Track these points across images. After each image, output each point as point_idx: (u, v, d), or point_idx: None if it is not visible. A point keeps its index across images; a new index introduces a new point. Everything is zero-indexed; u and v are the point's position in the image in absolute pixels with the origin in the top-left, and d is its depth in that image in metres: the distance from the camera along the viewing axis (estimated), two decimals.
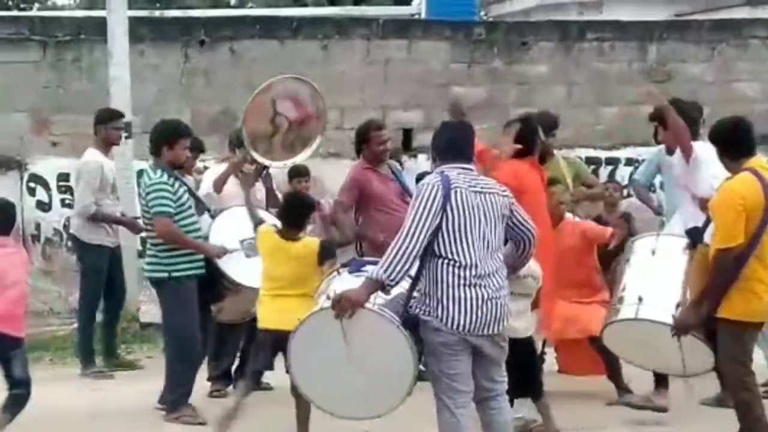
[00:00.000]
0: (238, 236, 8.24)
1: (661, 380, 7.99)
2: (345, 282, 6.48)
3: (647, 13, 16.87)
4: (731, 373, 6.67)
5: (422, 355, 6.17)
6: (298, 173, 9.78)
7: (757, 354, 7.71)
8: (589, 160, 12.78)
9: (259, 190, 9.00)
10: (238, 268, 8.21)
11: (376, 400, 6.35)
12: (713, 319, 6.62)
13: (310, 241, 7.52)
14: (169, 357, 8.41)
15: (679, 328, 6.67)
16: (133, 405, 8.41)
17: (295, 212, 7.58)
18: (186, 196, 8.30)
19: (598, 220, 9.88)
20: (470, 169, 6.30)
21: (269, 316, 7.35)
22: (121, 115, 10.17)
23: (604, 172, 13.19)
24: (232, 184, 9.03)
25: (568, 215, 8.74)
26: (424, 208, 6.05)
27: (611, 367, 8.22)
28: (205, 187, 9.09)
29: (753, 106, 13.45)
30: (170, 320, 8.39)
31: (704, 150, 7.63)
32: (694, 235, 7.02)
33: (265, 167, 8.79)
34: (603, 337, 7.40)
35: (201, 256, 8.25)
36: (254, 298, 7.74)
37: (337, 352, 6.20)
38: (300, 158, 8.74)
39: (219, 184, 8.93)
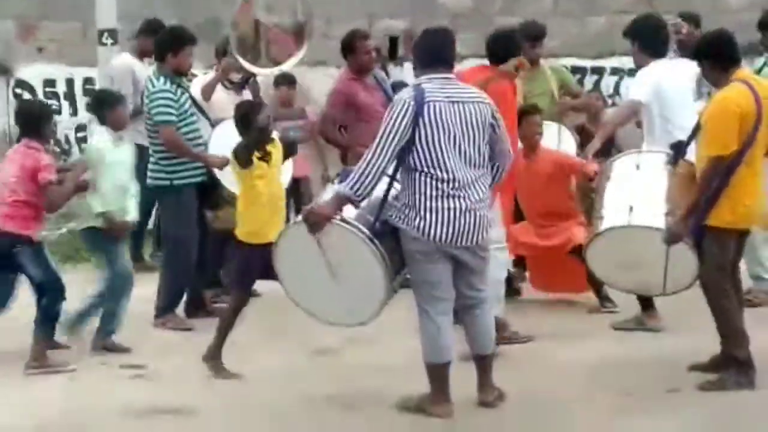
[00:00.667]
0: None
1: (646, 302, 8.05)
2: (330, 192, 6.55)
3: None
4: (714, 279, 6.75)
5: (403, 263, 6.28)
6: (285, 80, 9.81)
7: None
8: (575, 70, 12.78)
9: (246, 97, 9.04)
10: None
11: (356, 307, 6.47)
12: (701, 228, 6.70)
13: None
14: (164, 263, 8.53)
15: (671, 237, 6.73)
16: None
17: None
18: (188, 103, 8.34)
19: (582, 129, 9.98)
20: (450, 78, 6.31)
21: None
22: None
23: (589, 81, 13.23)
24: (221, 92, 9.07)
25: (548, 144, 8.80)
26: (393, 125, 6.09)
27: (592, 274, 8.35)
28: (194, 95, 9.13)
29: (738, 16, 13.48)
30: (169, 226, 8.51)
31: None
32: (678, 149, 7.03)
33: (252, 74, 8.83)
34: (587, 251, 7.35)
35: (202, 165, 8.30)
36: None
37: (314, 263, 6.34)
38: (286, 66, 8.75)
39: (207, 92, 8.96)
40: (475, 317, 6.42)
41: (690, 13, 9.51)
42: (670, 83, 7.79)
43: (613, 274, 7.35)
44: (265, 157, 7.13)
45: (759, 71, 8.74)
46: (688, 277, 6.96)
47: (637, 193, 7.10)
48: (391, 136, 6.09)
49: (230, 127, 8.01)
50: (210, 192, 8.40)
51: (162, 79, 8.25)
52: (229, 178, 8.19)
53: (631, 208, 7.00)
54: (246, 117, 7.16)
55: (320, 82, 11.37)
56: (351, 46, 9.04)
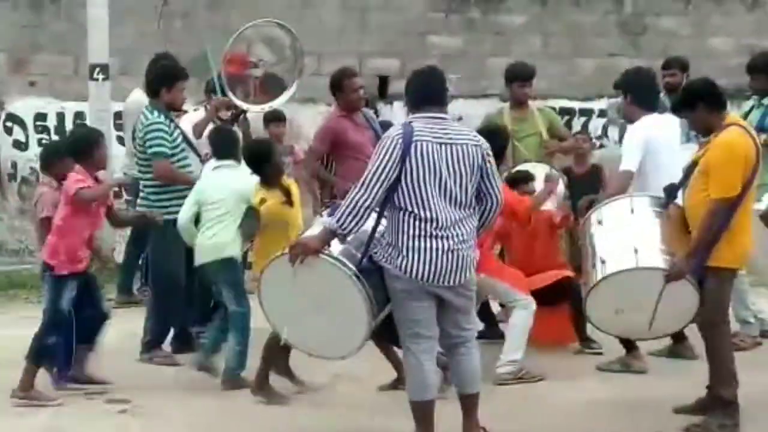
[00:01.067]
0: None
1: (630, 344, 8.03)
2: (319, 226, 6.58)
3: None
4: (713, 319, 6.81)
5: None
6: (275, 117, 9.84)
7: None
8: (564, 111, 12.92)
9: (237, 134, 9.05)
10: None
11: (337, 341, 6.47)
12: (702, 268, 6.74)
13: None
14: (152, 297, 8.54)
15: (676, 274, 6.74)
16: (106, 343, 8.54)
17: (253, 161, 7.60)
18: (180, 138, 8.39)
19: (568, 171, 10.01)
20: (442, 118, 6.29)
21: None
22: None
23: (577, 122, 13.31)
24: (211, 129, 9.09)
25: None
26: (381, 162, 6.09)
27: (578, 321, 8.37)
28: (184, 131, 9.16)
29: (726, 61, 13.61)
30: (157, 261, 8.52)
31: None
32: (670, 192, 7.04)
33: (243, 111, 8.87)
34: (588, 299, 7.12)
35: None
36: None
37: (298, 295, 6.37)
38: (277, 103, 8.84)
39: (200, 129, 8.98)
40: (460, 356, 6.41)
41: (678, 57, 9.59)
42: (659, 137, 7.83)
43: (610, 320, 7.17)
44: (289, 201, 7.36)
45: (746, 115, 8.80)
46: (685, 317, 6.99)
47: (638, 236, 7.05)
48: (378, 173, 6.10)
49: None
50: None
51: (156, 113, 8.31)
52: None
53: (636, 250, 6.93)
54: (260, 156, 7.29)
55: (311, 120, 11.43)
56: (339, 84, 9.03)
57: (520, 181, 8.58)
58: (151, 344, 8.42)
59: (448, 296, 6.24)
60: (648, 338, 7.41)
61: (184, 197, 8.19)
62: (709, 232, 6.68)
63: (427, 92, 6.36)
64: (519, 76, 9.75)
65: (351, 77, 9.03)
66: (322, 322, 6.39)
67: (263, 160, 7.57)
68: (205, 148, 8.74)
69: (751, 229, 6.89)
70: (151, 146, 8.25)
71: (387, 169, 6.09)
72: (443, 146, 6.16)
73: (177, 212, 8.16)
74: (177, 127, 8.44)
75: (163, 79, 8.42)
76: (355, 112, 9.01)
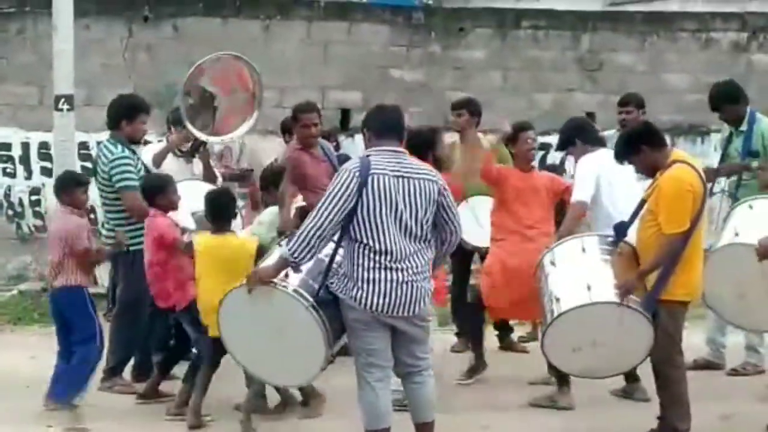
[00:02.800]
0: (189, 210, 8.30)
1: (563, 379, 8.09)
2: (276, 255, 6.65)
3: (582, 2, 17.19)
4: (664, 349, 6.95)
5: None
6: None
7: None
8: None
9: (197, 164, 9.19)
10: None
11: (294, 370, 6.62)
12: (655, 303, 6.91)
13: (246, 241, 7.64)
14: (116, 327, 8.60)
15: (624, 291, 6.90)
16: None
17: (217, 207, 7.61)
18: (143, 170, 8.50)
19: None
20: (399, 152, 6.40)
21: None
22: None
23: (536, 156, 13.47)
24: (171, 160, 9.21)
25: None
26: (336, 193, 6.17)
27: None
28: (145, 162, 9.28)
29: (681, 97, 13.89)
30: (124, 291, 8.60)
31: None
32: (620, 230, 7.19)
33: (202, 143, 8.98)
34: (544, 339, 7.20)
35: None
36: None
37: (255, 325, 6.50)
38: (236, 134, 8.91)
39: (159, 160, 9.09)
40: (415, 385, 6.50)
41: (635, 94, 9.79)
42: (613, 168, 8.00)
43: (568, 358, 7.24)
44: None
45: (727, 144, 8.99)
46: (641, 352, 7.08)
47: (591, 274, 7.17)
48: (333, 203, 6.18)
49: (181, 191, 8.17)
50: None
51: (119, 147, 8.41)
52: None
53: (588, 287, 7.04)
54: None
55: (272, 152, 11.57)
56: (295, 117, 9.11)
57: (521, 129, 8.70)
58: (112, 372, 8.49)
59: (402, 327, 6.32)
60: (607, 376, 7.48)
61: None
62: (658, 263, 6.88)
63: (385, 127, 6.47)
64: (474, 112, 9.89)
65: (306, 112, 9.06)
66: (279, 351, 6.49)
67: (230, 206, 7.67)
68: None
69: (701, 262, 7.06)
70: (119, 180, 8.33)
71: (342, 201, 6.17)
72: (400, 180, 6.26)
73: (142, 243, 8.20)
74: (139, 159, 8.56)
75: (124, 112, 8.52)
76: (311, 146, 9.06)
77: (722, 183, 9.01)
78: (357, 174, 6.19)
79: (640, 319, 6.92)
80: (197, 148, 8.97)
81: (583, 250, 7.31)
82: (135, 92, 12.12)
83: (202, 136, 8.70)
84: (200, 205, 7.91)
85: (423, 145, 7.59)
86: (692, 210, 6.87)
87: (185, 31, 13.04)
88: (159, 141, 9.77)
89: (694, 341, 8.71)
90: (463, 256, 9.49)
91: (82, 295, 7.92)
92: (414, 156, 6.94)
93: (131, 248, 8.33)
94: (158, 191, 7.88)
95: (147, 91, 12.32)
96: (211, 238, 7.47)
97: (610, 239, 7.24)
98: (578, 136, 8.39)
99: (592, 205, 8.13)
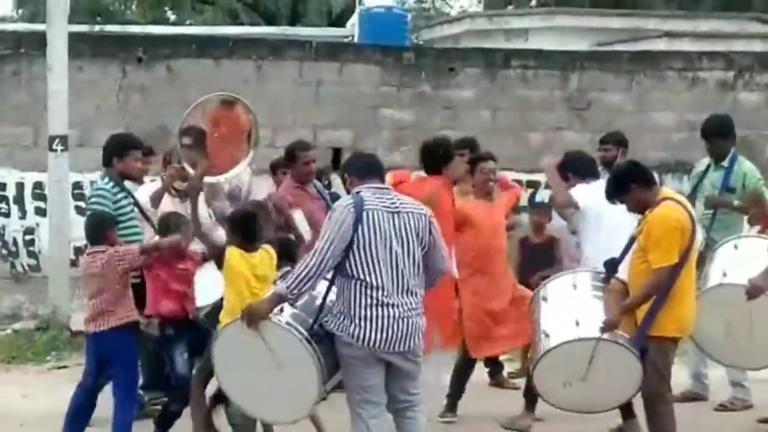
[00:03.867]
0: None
1: (531, 404, 8.22)
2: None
3: (570, 42, 17.41)
4: (654, 385, 7.04)
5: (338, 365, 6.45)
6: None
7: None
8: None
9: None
10: None
11: (287, 405, 6.62)
12: (644, 338, 7.00)
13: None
14: None
15: (608, 326, 7.00)
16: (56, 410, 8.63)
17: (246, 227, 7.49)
18: (129, 207, 8.57)
19: (525, 240, 10.20)
20: (387, 188, 6.54)
21: None
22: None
23: (524, 194, 13.58)
24: (166, 200, 9.29)
25: None
26: (333, 229, 6.26)
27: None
28: (142, 204, 9.35)
29: (668, 135, 14.05)
30: None
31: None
32: (610, 266, 7.30)
33: None
34: (534, 371, 7.29)
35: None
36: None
37: (250, 360, 6.52)
38: (232, 174, 8.99)
39: (156, 200, 9.17)
40: (407, 420, 6.56)
41: (615, 133, 9.93)
42: (601, 204, 8.12)
43: (559, 393, 7.29)
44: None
45: (702, 176, 9.13)
46: (630, 388, 7.14)
47: (580, 309, 7.24)
48: (331, 239, 6.26)
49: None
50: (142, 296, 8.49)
51: (105, 180, 8.51)
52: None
53: (577, 322, 7.12)
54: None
55: (265, 191, 11.65)
56: (292, 155, 9.23)
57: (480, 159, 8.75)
58: None
59: (397, 362, 6.39)
60: (598, 411, 7.49)
61: None
62: (646, 297, 6.99)
63: (367, 167, 6.63)
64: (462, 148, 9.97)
65: (304, 150, 9.24)
66: (273, 386, 6.51)
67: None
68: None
69: (693, 298, 7.14)
70: (89, 208, 8.46)
71: (340, 235, 6.25)
72: (392, 215, 6.36)
73: None
74: (130, 196, 8.62)
75: (114, 149, 8.64)
76: (307, 184, 9.20)
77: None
78: (352, 210, 6.30)
79: (627, 354, 6.99)
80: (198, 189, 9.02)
81: (575, 286, 7.41)
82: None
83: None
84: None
85: (439, 158, 7.85)
86: (680, 245, 6.97)
87: (179, 73, 13.17)
88: (152, 181, 9.85)
89: (679, 374, 8.65)
90: None
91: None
92: (427, 172, 7.09)
93: None
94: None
95: (141, 132, 12.47)
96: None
97: (602, 276, 7.34)
98: (570, 170, 8.51)
99: (583, 233, 8.26)
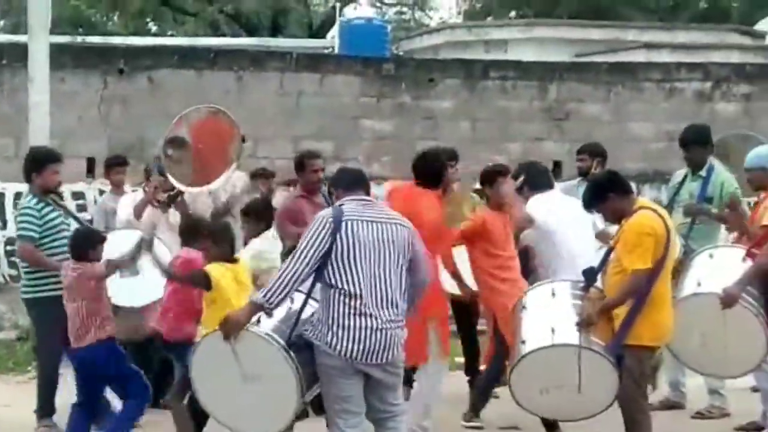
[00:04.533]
0: (112, 256, 8.10)
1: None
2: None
3: (550, 53, 17.52)
4: (631, 395, 7.08)
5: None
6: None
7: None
8: None
9: (172, 214, 9.29)
10: (113, 288, 8.11)
11: (266, 417, 6.58)
12: (620, 347, 7.05)
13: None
14: (39, 373, 8.73)
15: (584, 324, 7.05)
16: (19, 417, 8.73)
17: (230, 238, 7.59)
18: (58, 219, 8.55)
19: None
20: (370, 200, 6.58)
21: None
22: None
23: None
24: (147, 211, 9.33)
25: None
26: (310, 240, 6.29)
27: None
28: (124, 215, 9.38)
29: (646, 145, 14.17)
30: (39, 339, 8.75)
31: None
32: (589, 275, 7.32)
33: (180, 193, 9.12)
34: (511, 377, 7.34)
35: None
36: (133, 318, 8.09)
37: (228, 371, 6.50)
38: (215, 185, 9.06)
39: (139, 211, 9.20)
40: (388, 430, 6.56)
41: (590, 144, 10.02)
42: (560, 212, 8.18)
43: (536, 400, 7.32)
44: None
45: (679, 186, 9.19)
46: (607, 397, 7.15)
47: (557, 317, 7.27)
48: (308, 249, 6.29)
49: (115, 238, 8.29)
50: None
51: (30, 197, 8.57)
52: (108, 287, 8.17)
53: (552, 330, 7.16)
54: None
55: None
56: (301, 164, 9.28)
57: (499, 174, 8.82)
58: (40, 413, 8.56)
59: (376, 374, 6.38)
60: (575, 419, 7.52)
61: (58, 275, 8.15)
62: (621, 300, 7.05)
63: (352, 180, 6.68)
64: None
65: (314, 158, 9.30)
66: (251, 398, 6.49)
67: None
68: (145, 229, 8.91)
69: (669, 307, 7.19)
70: (18, 229, 8.52)
71: (316, 246, 6.29)
72: (373, 224, 6.39)
73: (52, 290, 8.27)
74: (56, 209, 8.57)
75: (33, 165, 8.67)
76: (315, 193, 9.21)
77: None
78: (330, 220, 6.34)
79: (602, 362, 7.03)
80: (174, 198, 9.09)
81: (553, 294, 7.44)
82: (110, 144, 12.38)
83: (180, 186, 8.84)
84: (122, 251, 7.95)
85: (432, 173, 7.98)
86: (655, 252, 7.03)
87: (160, 84, 13.20)
88: (133, 191, 9.90)
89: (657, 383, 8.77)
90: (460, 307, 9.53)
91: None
92: (423, 187, 7.34)
93: (38, 295, 8.44)
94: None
95: (122, 143, 12.59)
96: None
97: (581, 285, 7.36)
98: (523, 182, 8.59)
99: (543, 247, 8.33)
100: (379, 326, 6.30)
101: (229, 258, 7.36)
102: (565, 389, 7.11)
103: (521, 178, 8.64)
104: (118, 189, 10.12)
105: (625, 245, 7.08)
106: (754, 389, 8.91)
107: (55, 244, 8.46)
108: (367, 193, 6.65)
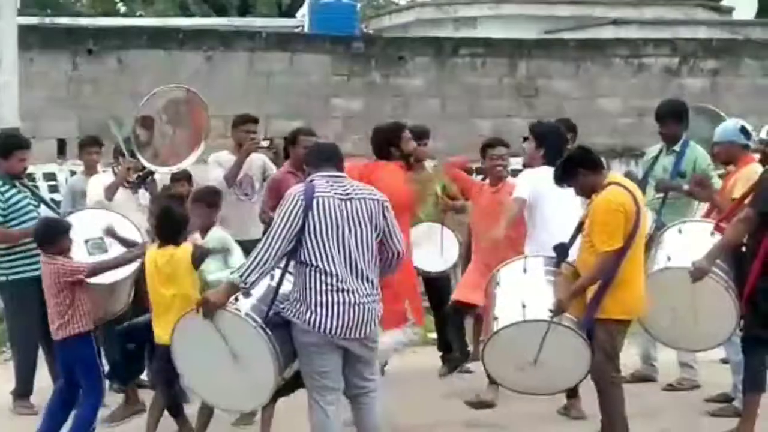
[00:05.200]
0: (83, 236, 8.14)
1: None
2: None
3: (519, 30, 17.56)
4: (604, 368, 7.13)
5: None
6: (177, 177, 10.05)
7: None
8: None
9: (143, 195, 9.30)
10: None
11: (246, 394, 6.68)
12: (592, 321, 7.09)
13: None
14: (14, 355, 8.77)
15: (557, 308, 7.07)
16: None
17: (167, 226, 7.47)
18: (24, 201, 8.56)
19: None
20: (341, 176, 6.58)
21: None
22: None
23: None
24: (120, 193, 9.31)
25: None
26: (282, 218, 6.31)
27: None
28: (94, 195, 9.34)
29: (614, 121, 14.26)
30: (10, 322, 8.76)
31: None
32: (561, 251, 7.37)
33: (151, 173, 9.12)
34: (484, 354, 7.38)
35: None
36: (102, 297, 7.97)
37: (207, 350, 6.58)
38: (185, 164, 9.03)
39: (110, 192, 9.18)
40: (363, 406, 6.62)
41: (563, 119, 10.04)
42: (551, 188, 8.23)
43: (511, 376, 7.38)
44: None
45: (654, 161, 9.15)
46: (580, 371, 7.23)
47: (529, 293, 7.31)
48: (281, 228, 6.32)
49: (78, 218, 8.22)
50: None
51: None
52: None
53: (524, 305, 7.19)
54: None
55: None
56: (294, 138, 9.24)
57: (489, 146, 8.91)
58: (16, 394, 8.63)
59: (354, 348, 6.42)
60: (550, 393, 7.63)
61: (32, 257, 8.18)
62: (593, 279, 7.09)
63: (322, 156, 6.67)
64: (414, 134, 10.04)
65: (307, 135, 9.25)
66: (230, 376, 6.56)
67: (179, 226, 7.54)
68: (117, 209, 8.93)
69: (641, 280, 7.24)
70: None
71: (289, 223, 6.31)
72: (343, 201, 6.40)
73: (24, 272, 8.33)
74: (21, 191, 8.58)
75: None
76: (303, 170, 9.19)
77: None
78: (301, 197, 6.35)
79: (573, 337, 7.09)
80: (144, 179, 9.09)
81: (525, 270, 7.48)
82: (81, 125, 12.35)
83: (151, 166, 8.85)
84: (97, 233, 8.03)
85: (384, 142, 7.92)
86: (625, 229, 7.07)
87: (129, 64, 13.21)
88: (104, 171, 9.88)
89: (628, 355, 8.75)
90: (432, 284, 9.61)
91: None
92: (378, 158, 7.19)
93: (10, 277, 8.45)
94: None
95: (92, 123, 12.54)
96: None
97: (554, 260, 7.40)
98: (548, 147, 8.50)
99: (529, 216, 8.32)
100: (357, 301, 6.34)
101: (172, 241, 7.34)
102: (540, 365, 7.15)
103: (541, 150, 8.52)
104: (90, 170, 10.09)
105: (594, 224, 7.13)
106: (724, 361, 8.99)
107: (24, 227, 8.45)
108: (340, 169, 6.64)
